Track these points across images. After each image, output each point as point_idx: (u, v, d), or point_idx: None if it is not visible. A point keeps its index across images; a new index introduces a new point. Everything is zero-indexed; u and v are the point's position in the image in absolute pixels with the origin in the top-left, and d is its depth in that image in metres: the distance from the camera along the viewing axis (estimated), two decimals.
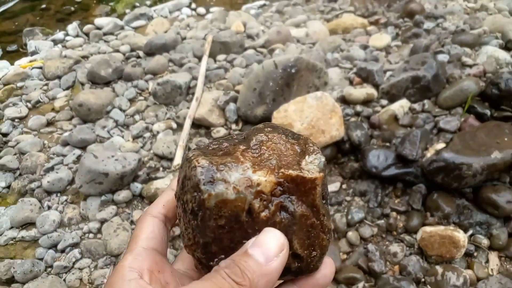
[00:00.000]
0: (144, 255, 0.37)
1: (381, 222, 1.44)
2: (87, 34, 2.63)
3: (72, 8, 2.99)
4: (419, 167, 1.44)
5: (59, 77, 2.18)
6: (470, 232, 1.36)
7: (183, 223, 0.37)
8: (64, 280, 1.42)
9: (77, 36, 2.60)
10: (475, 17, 2.46)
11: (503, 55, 1.95)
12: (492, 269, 1.32)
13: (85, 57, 2.33)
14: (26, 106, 2.04)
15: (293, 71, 1.62)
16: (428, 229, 1.35)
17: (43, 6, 3.05)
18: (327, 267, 0.38)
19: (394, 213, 1.45)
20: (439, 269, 1.28)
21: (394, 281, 1.25)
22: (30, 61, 2.38)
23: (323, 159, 0.38)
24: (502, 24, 2.30)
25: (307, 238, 0.37)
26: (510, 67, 1.86)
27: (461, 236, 1.30)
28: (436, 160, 1.36)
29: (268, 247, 0.33)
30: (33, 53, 2.45)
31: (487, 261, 1.34)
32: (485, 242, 1.35)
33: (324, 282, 0.38)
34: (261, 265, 0.32)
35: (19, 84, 2.19)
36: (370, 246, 1.36)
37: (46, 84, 2.17)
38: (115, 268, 0.36)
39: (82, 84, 2.11)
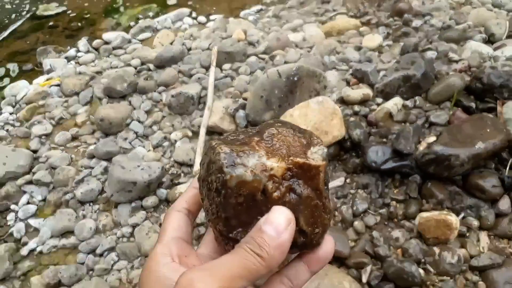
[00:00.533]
0: (172, 243, 0.43)
1: (383, 211, 1.62)
2: (97, 49, 2.79)
3: (79, 24, 3.13)
4: (413, 159, 1.62)
5: (77, 94, 2.34)
6: (462, 215, 1.54)
7: (208, 200, 0.43)
8: (106, 280, 1.60)
9: (88, 51, 2.76)
10: (460, 12, 2.62)
11: (486, 49, 2.11)
12: (483, 247, 1.49)
13: (99, 73, 2.49)
14: (50, 123, 2.21)
15: (295, 79, 1.79)
16: (424, 214, 1.53)
17: (51, 23, 3.20)
18: (328, 244, 0.44)
19: (394, 202, 1.63)
20: (436, 250, 1.46)
21: (397, 263, 1.43)
22: (47, 79, 2.54)
23: (325, 150, 0.43)
24: (485, 18, 2.46)
25: (311, 217, 0.42)
26: (492, 61, 2.02)
27: (454, 219, 1.48)
28: (427, 153, 1.54)
29: (278, 223, 0.38)
30: (49, 71, 2.61)
31: (478, 240, 1.51)
32: (475, 223, 1.53)
33: (326, 256, 0.44)
34: (274, 238, 0.38)
35: (41, 102, 2.35)
36: (375, 233, 1.54)
37: (66, 101, 2.33)
38: (149, 256, 0.42)
39: (100, 99, 2.28)
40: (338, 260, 1.51)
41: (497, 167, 1.61)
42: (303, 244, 0.42)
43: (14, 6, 3.49)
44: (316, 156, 0.42)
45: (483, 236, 1.52)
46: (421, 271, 1.42)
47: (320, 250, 0.43)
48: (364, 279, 1.45)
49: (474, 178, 1.55)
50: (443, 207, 1.56)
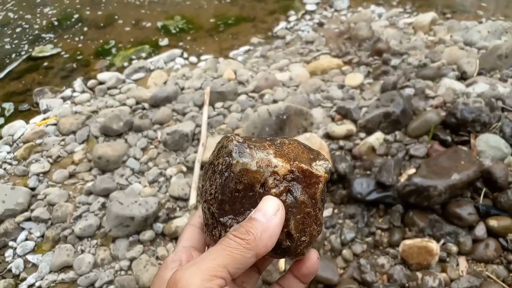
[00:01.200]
0: (183, 251, 0.46)
1: (369, 239, 1.72)
2: (92, 89, 2.91)
3: (74, 65, 3.26)
4: (395, 190, 1.74)
5: (74, 132, 2.43)
6: (442, 241, 1.65)
7: (209, 181, 0.45)
8: None
9: (83, 91, 2.87)
10: (434, 51, 2.82)
11: (459, 86, 2.28)
12: (462, 271, 1.60)
13: (95, 112, 2.59)
14: (48, 161, 2.28)
15: (284, 117, 1.92)
16: (407, 242, 1.63)
17: (46, 64, 3.32)
18: (313, 255, 0.46)
19: (379, 231, 1.73)
20: (419, 274, 1.56)
21: None
22: (44, 119, 2.63)
23: (329, 165, 0.46)
24: (457, 56, 2.66)
25: (301, 223, 0.44)
26: (465, 97, 2.19)
27: (434, 246, 1.58)
28: (408, 184, 1.66)
29: (267, 209, 0.41)
30: (45, 111, 2.71)
31: (458, 265, 1.61)
32: (454, 249, 1.63)
33: (313, 267, 0.46)
34: (263, 223, 0.40)
35: (38, 141, 2.43)
36: (362, 261, 1.63)
37: (63, 140, 2.42)
38: (162, 264, 0.45)
39: (96, 137, 2.37)
40: (328, 287, 1.59)
41: (472, 195, 1.74)
42: (287, 248, 0.44)
43: (13, 46, 3.61)
44: (320, 168, 0.45)
45: (462, 261, 1.62)
46: None
47: (308, 261, 0.45)
48: None
49: (451, 206, 1.67)
50: (424, 235, 1.67)
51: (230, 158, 0.42)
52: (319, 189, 0.44)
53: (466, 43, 2.95)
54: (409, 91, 2.34)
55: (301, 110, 1.99)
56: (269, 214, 0.40)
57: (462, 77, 2.46)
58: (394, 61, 2.74)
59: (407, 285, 1.56)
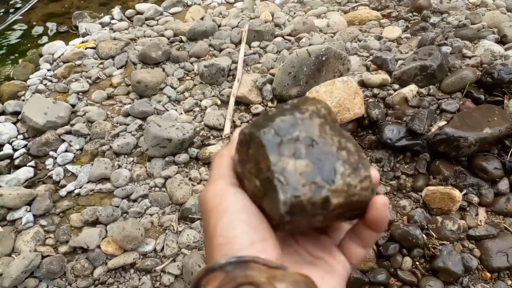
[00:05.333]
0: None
1: (393, 182, 1.79)
2: (129, 18, 2.93)
3: None
4: (425, 139, 1.79)
5: (113, 57, 2.49)
6: (464, 191, 1.72)
7: None
8: (139, 222, 1.77)
9: (121, 20, 2.90)
10: (475, 12, 2.78)
11: (498, 48, 2.27)
12: (480, 220, 1.68)
13: (133, 40, 2.64)
14: (87, 81, 2.36)
15: (323, 58, 1.95)
16: (431, 188, 1.70)
17: None
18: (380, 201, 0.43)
19: (403, 176, 1.81)
20: (439, 218, 1.64)
21: (403, 227, 1.61)
22: (83, 42, 2.69)
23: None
24: (499, 20, 2.62)
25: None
26: (503, 59, 2.19)
27: (457, 194, 1.66)
28: (439, 133, 1.71)
29: None
30: (84, 34, 2.75)
31: (477, 214, 1.69)
32: (475, 199, 1.71)
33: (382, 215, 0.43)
34: None
35: (77, 62, 2.50)
36: None
37: (101, 63, 2.48)
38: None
39: (134, 64, 2.43)
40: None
41: (499, 153, 1.79)
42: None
43: None
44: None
45: (482, 211, 1.70)
46: (424, 236, 1.60)
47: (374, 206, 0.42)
48: None
49: (478, 159, 1.73)
50: (447, 183, 1.74)
51: None
52: None
53: (509, 9, 2.89)
54: (446, 49, 2.33)
55: (340, 54, 2.01)
56: None
57: (502, 40, 2.44)
58: (434, 19, 2.71)
59: (426, 226, 1.64)
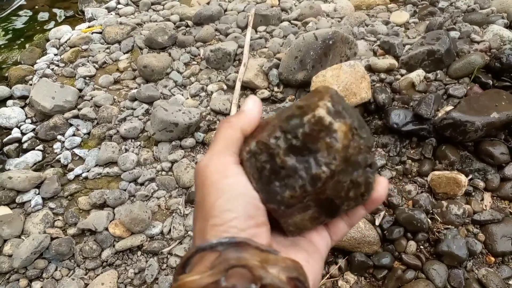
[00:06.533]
0: None
1: (399, 167, 1.80)
2: (135, 3, 2.92)
3: None
4: (431, 124, 1.78)
5: (119, 42, 2.49)
6: (470, 176, 1.72)
7: None
8: (146, 205, 1.79)
9: (127, 4, 2.89)
10: None
11: (507, 33, 2.25)
12: (485, 205, 1.68)
13: (139, 24, 2.63)
14: (94, 66, 2.37)
15: (330, 42, 1.94)
16: (436, 172, 1.71)
17: None
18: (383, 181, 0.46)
19: (409, 161, 1.81)
20: (444, 203, 1.65)
21: (408, 211, 1.62)
22: (89, 27, 2.69)
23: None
24: (508, 4, 2.59)
25: None
26: None
27: (463, 178, 1.65)
28: (446, 118, 1.70)
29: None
30: (90, 19, 2.75)
31: (482, 199, 1.69)
32: (481, 184, 1.71)
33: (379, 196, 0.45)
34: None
35: (84, 46, 2.51)
36: (390, 185, 1.72)
37: (108, 48, 2.48)
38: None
39: (141, 49, 2.43)
40: None
41: (506, 138, 1.78)
42: None
43: None
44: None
45: (487, 196, 1.70)
46: (429, 220, 1.61)
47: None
48: (377, 222, 1.64)
49: (484, 144, 1.72)
50: (453, 168, 1.74)
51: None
52: None
53: None
54: (454, 34, 2.31)
55: (347, 38, 2.00)
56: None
57: (511, 25, 2.41)
58: (442, 4, 2.67)
59: (431, 211, 1.65)
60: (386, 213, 1.67)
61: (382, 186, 0.44)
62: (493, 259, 1.56)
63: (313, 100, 0.39)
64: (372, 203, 0.45)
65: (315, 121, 0.37)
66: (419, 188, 1.74)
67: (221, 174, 0.39)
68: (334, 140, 0.37)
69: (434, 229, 1.58)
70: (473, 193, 1.70)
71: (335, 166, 0.38)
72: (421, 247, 1.59)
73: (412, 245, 1.58)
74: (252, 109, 0.44)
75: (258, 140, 0.40)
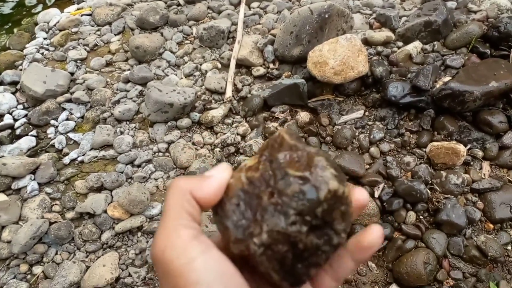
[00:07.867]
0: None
1: (397, 140, 1.78)
2: None
3: None
4: (429, 95, 1.77)
5: (109, 23, 2.44)
6: (468, 146, 1.71)
7: None
8: (144, 187, 1.78)
9: None
10: None
11: (504, 2, 2.21)
12: (484, 174, 1.68)
13: (129, 5, 2.58)
14: (85, 49, 2.32)
15: (326, 16, 1.90)
16: (435, 143, 1.70)
17: None
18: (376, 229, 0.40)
19: (408, 133, 1.79)
20: (443, 173, 1.64)
21: (408, 182, 1.61)
22: (78, 9, 2.63)
23: None
24: None
25: None
26: (510, 12, 2.13)
27: (461, 148, 1.65)
28: (444, 88, 1.69)
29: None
30: (79, 1, 2.69)
31: (481, 168, 1.69)
32: (480, 153, 1.70)
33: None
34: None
35: (74, 29, 2.45)
36: (388, 158, 1.71)
37: (98, 30, 2.43)
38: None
39: (132, 30, 2.38)
40: (354, 178, 1.69)
41: (504, 107, 1.77)
42: None
43: None
44: None
45: (485, 165, 1.69)
46: (428, 190, 1.60)
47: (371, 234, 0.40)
48: (376, 195, 1.63)
49: (483, 114, 1.71)
50: (452, 139, 1.73)
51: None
52: None
53: None
54: (451, 4, 2.28)
55: (343, 11, 1.96)
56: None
57: None
58: None
59: (430, 182, 1.64)
60: (385, 185, 1.66)
61: (375, 234, 0.39)
62: (491, 226, 1.56)
63: (311, 165, 0.37)
64: (365, 251, 0.40)
65: (332, 196, 0.36)
66: (418, 159, 1.73)
67: (184, 258, 0.33)
68: (347, 206, 0.37)
69: (434, 199, 1.58)
70: (471, 163, 1.70)
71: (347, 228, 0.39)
72: (421, 217, 1.59)
73: (411, 216, 1.58)
74: (214, 176, 0.39)
75: (270, 229, 0.36)
